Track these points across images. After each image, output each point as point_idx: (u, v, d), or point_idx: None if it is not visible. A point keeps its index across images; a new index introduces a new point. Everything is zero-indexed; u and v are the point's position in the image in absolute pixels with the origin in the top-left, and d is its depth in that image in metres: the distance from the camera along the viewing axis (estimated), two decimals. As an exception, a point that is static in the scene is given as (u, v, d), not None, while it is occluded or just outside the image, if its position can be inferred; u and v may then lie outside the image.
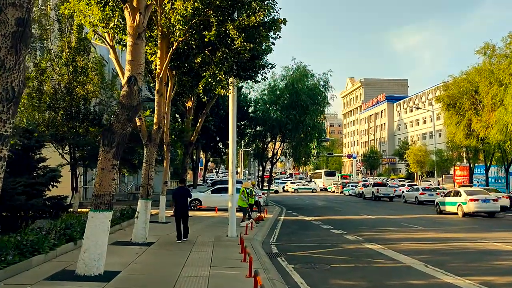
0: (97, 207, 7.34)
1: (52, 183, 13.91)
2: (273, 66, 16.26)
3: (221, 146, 42.22)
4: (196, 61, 13.10)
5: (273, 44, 14.00)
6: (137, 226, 11.29)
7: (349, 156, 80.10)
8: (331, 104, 35.76)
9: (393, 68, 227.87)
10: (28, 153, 13.94)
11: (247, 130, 36.31)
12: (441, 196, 27.82)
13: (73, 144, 19.24)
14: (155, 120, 11.63)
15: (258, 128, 35.86)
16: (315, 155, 39.38)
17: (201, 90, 12.56)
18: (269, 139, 36.63)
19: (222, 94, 13.26)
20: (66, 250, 9.93)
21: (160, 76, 11.68)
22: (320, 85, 32.81)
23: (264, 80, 15.84)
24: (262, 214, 21.15)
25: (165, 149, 17.74)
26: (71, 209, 19.43)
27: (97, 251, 7.27)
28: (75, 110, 19.22)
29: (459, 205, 23.71)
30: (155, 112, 11.63)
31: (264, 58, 15.88)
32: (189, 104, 21.10)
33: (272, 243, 13.89)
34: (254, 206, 20.84)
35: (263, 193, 28.69)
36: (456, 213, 23.87)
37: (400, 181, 62.32)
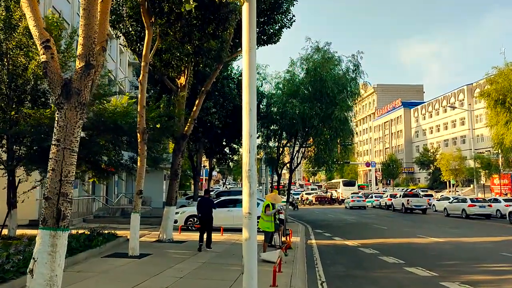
0: None
1: None
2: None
3: (228, 151, 35.71)
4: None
5: None
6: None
7: (367, 165, 73.09)
8: (362, 95, 28.84)
9: (400, 75, 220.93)
10: None
11: (260, 130, 29.44)
12: None
13: (12, 135, 12.87)
14: (79, 50, 5.14)
15: (272, 126, 29.02)
16: (330, 163, 31.52)
17: (189, 8, 5.82)
18: (285, 141, 29.77)
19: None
20: None
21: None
22: (350, 71, 25.94)
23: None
24: (288, 238, 14.55)
25: (139, 139, 11.14)
26: (5, 233, 13.05)
27: None
28: (10, 86, 12.88)
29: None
30: (80, 28, 5.11)
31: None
32: (182, 80, 14.58)
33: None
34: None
35: (284, 206, 21.99)
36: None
37: (422, 191, 56.09)
